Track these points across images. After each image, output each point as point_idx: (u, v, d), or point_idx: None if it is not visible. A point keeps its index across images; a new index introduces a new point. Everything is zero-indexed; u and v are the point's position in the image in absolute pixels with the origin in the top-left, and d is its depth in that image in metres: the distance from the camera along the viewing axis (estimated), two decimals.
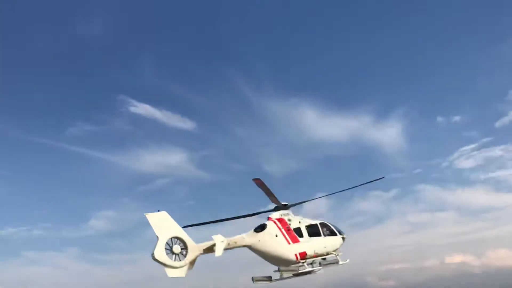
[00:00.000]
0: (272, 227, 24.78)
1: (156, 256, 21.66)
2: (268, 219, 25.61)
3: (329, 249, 26.43)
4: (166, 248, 21.86)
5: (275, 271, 26.66)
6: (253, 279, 25.92)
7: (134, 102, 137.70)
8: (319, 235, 26.00)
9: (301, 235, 25.16)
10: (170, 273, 22.06)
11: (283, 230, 24.72)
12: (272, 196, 25.32)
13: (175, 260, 22.10)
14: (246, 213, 26.81)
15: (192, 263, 22.68)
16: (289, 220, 25.48)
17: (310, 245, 25.26)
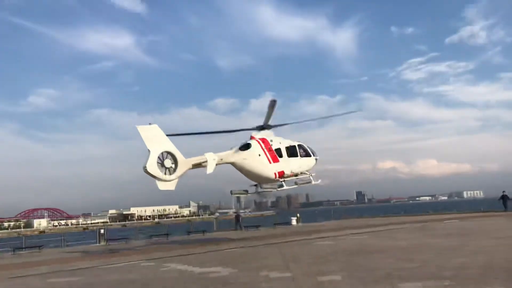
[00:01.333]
0: (256, 147, 26.19)
1: (149, 169, 22.22)
2: (251, 138, 26.93)
3: (304, 169, 28.27)
4: (157, 162, 22.51)
5: (251, 186, 28.54)
6: (231, 192, 28.23)
7: None
8: (296, 155, 27.72)
9: (280, 155, 26.83)
10: (161, 186, 22.97)
11: (265, 150, 26.34)
12: (268, 119, 26.79)
13: (165, 174, 22.74)
14: (229, 129, 28.13)
15: (181, 176, 23.61)
16: (271, 140, 27.02)
17: (288, 164, 27.03)
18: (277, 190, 26.45)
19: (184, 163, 23.63)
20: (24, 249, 35.15)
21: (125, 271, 17.03)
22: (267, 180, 26.75)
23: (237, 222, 44.69)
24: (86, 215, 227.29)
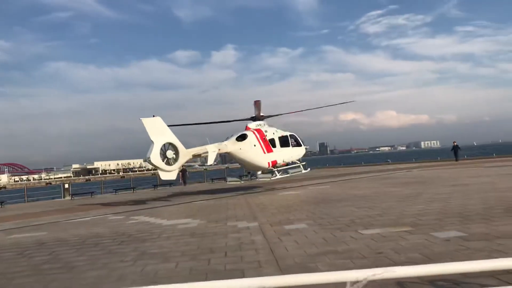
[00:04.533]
0: (252, 137, 27.16)
1: (152, 160, 23.38)
2: (246, 129, 27.94)
3: (295, 158, 29.67)
4: (160, 153, 23.50)
5: (245, 173, 30.89)
6: (226, 180, 29.94)
7: None
8: (288, 145, 28.88)
9: (274, 146, 27.90)
10: (163, 175, 24.19)
11: (260, 140, 27.34)
12: (258, 110, 28.29)
13: (167, 164, 23.70)
14: (223, 119, 30.34)
15: (182, 166, 25.34)
16: (266, 131, 28.07)
17: (281, 154, 28.22)
18: (270, 180, 27.12)
19: (185, 154, 24.56)
20: None
21: (92, 224, 17.05)
22: (261, 168, 27.76)
23: (183, 177, 43.77)
24: (48, 170, 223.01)
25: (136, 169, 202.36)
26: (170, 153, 23.74)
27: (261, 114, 28.70)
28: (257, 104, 27.57)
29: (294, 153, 29.33)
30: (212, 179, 48.05)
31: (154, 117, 23.93)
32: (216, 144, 26.57)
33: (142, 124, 23.46)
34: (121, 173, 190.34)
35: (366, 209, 14.48)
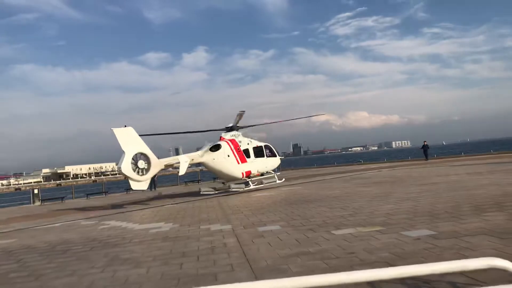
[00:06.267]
0: (225, 148, 27.14)
1: (123, 170, 23.36)
2: (220, 139, 28.03)
3: (269, 168, 29.93)
4: (131, 163, 23.44)
5: (219, 184, 29.99)
6: (199, 190, 28.97)
7: None
8: (262, 156, 29.05)
9: (248, 156, 27.99)
10: (134, 185, 23.98)
11: (234, 151, 27.37)
12: (236, 123, 28.25)
13: (139, 174, 23.66)
14: (197, 130, 29.82)
15: (160, 175, 24.78)
16: (240, 141, 28.11)
17: (255, 165, 28.34)
18: (244, 190, 27.00)
19: (157, 164, 24.51)
20: None
21: (62, 230, 16.69)
22: (235, 179, 27.60)
23: (152, 181, 41.23)
24: (17, 175, 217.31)
25: (109, 172, 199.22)
26: (142, 163, 23.67)
27: (237, 124, 28.69)
28: (239, 114, 27.52)
29: (268, 164, 29.51)
30: (186, 181, 47.73)
31: (126, 127, 23.81)
32: (189, 154, 26.76)
33: (114, 134, 23.31)
34: (93, 177, 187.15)
35: (338, 209, 14.60)
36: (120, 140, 23.36)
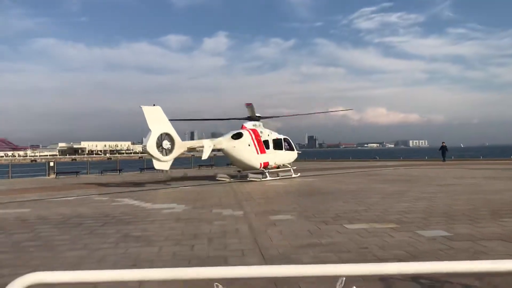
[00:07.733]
0: (247, 137, 27.35)
1: (148, 149, 23.61)
2: (242, 128, 28.13)
3: (286, 161, 29.97)
4: (156, 143, 23.68)
5: (234, 171, 30.52)
6: (215, 176, 29.03)
7: None
8: (281, 148, 29.17)
9: (267, 147, 28.11)
10: (157, 165, 24.20)
11: (255, 140, 27.51)
12: (253, 112, 28.37)
13: (162, 154, 23.83)
14: (222, 117, 31.12)
15: (176, 158, 25.24)
16: (261, 132, 28.29)
17: (273, 156, 28.40)
18: (260, 180, 26.91)
19: (181, 146, 24.76)
20: None
21: (76, 204, 16.87)
22: (252, 168, 27.72)
23: None
24: (34, 147, 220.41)
25: (124, 151, 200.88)
26: (166, 144, 23.86)
27: (257, 114, 28.80)
28: (249, 106, 27.66)
29: (286, 157, 29.61)
30: (200, 165, 47.87)
31: (155, 106, 24.01)
32: (213, 139, 27.03)
33: (142, 111, 23.49)
34: (108, 155, 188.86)
35: (352, 204, 14.49)
36: (148, 118, 23.53)
